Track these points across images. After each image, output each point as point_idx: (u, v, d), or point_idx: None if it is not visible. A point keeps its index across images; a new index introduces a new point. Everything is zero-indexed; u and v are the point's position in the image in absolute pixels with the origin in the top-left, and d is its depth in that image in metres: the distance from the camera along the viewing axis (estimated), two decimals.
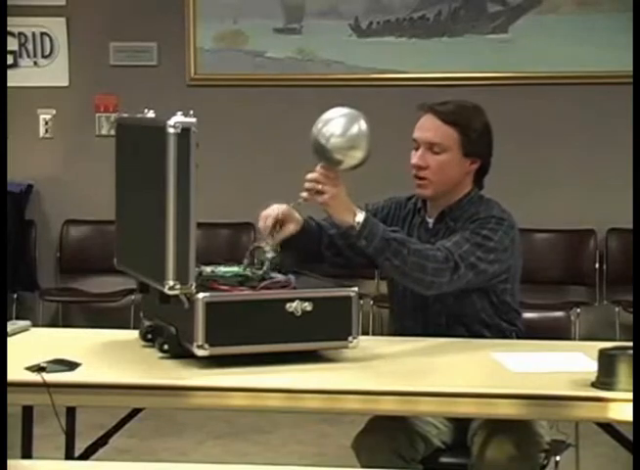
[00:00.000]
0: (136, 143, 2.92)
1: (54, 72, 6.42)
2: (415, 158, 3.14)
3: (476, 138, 3.13)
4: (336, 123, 2.92)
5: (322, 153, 2.92)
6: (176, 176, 2.62)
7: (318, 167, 2.93)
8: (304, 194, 2.94)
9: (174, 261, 2.63)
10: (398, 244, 2.92)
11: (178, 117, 2.63)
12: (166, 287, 2.64)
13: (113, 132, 6.49)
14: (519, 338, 3.14)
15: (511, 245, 3.09)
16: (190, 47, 6.38)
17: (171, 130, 2.62)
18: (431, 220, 3.19)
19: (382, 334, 5.85)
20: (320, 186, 2.91)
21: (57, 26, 6.44)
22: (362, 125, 2.92)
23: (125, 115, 3.12)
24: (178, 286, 2.64)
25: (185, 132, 2.63)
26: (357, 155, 2.91)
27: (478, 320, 3.12)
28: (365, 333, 3.00)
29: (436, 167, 3.11)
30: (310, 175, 2.93)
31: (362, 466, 2.98)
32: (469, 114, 3.16)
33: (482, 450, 2.88)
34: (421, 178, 3.13)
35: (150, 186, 2.74)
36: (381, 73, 6.27)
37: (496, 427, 2.86)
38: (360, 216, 2.92)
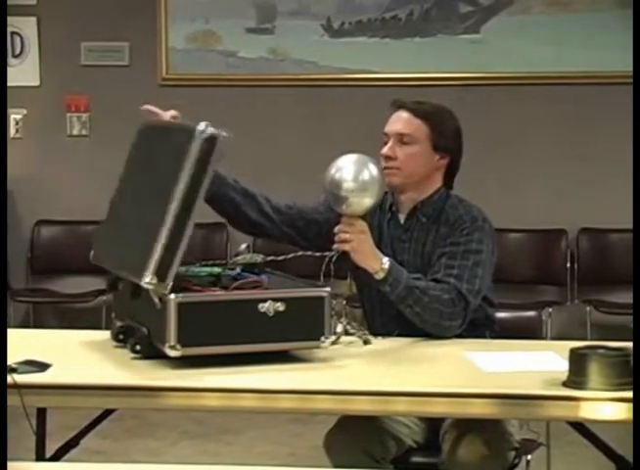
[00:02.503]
0: (157, 142, 2.95)
1: (24, 72, 6.39)
2: (384, 149, 3.18)
3: (446, 134, 3.18)
4: (347, 171, 2.94)
5: (335, 200, 2.95)
6: (190, 177, 2.65)
7: (343, 219, 2.97)
8: (335, 246, 2.97)
9: (160, 257, 2.62)
10: (420, 292, 2.99)
11: (209, 125, 2.70)
12: (143, 280, 2.62)
13: (84, 132, 6.55)
14: (492, 338, 3.16)
15: (494, 246, 3.16)
16: (162, 47, 6.36)
17: (200, 134, 2.67)
18: (402, 216, 3.22)
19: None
20: (347, 235, 2.95)
21: (27, 26, 6.41)
22: (373, 171, 2.94)
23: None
24: (155, 281, 2.62)
25: (212, 139, 2.69)
26: (366, 201, 2.93)
27: None
28: None
29: (405, 158, 3.16)
30: (337, 227, 2.97)
31: (333, 465, 2.98)
32: (442, 114, 3.22)
33: (454, 449, 2.89)
34: (390, 168, 3.16)
35: (159, 181, 2.76)
36: (353, 74, 6.27)
37: (467, 426, 2.87)
38: (386, 264, 2.97)
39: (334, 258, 3.02)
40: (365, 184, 2.92)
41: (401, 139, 3.17)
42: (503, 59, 6.18)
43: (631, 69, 5.68)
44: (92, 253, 3.03)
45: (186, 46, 6.37)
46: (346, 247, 2.96)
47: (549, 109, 6.19)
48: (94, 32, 6.40)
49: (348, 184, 2.92)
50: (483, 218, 3.16)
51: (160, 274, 2.62)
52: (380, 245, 3.13)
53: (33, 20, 6.42)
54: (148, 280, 2.62)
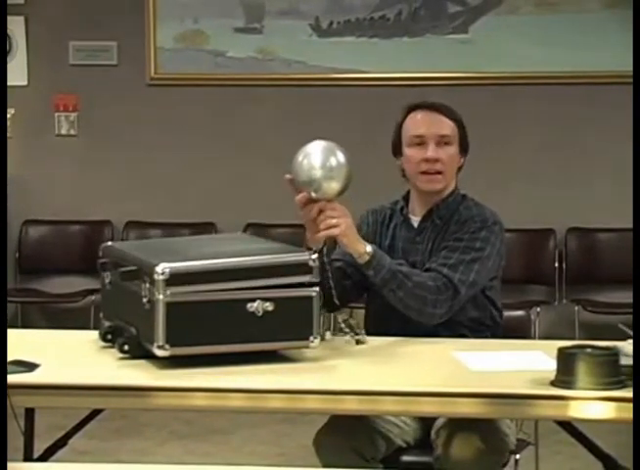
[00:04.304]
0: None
1: (12, 71, 6.36)
2: (430, 151, 3.14)
3: (466, 134, 3.21)
4: (314, 157, 2.92)
5: (303, 185, 2.92)
6: (273, 263, 2.78)
7: (323, 203, 2.93)
8: (323, 233, 2.93)
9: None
10: (404, 276, 2.99)
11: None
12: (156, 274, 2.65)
13: (72, 132, 6.53)
14: (493, 336, 3.16)
15: (501, 247, 3.18)
16: (150, 46, 6.35)
17: (308, 260, 2.77)
18: (416, 219, 3.22)
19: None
20: (335, 220, 2.92)
21: (15, 25, 6.39)
22: (340, 157, 2.92)
23: None
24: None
25: (306, 267, 2.77)
26: (334, 186, 2.90)
27: (461, 318, 3.13)
28: None
29: (448, 159, 3.16)
30: (321, 215, 2.93)
31: (322, 465, 2.98)
32: (457, 113, 3.23)
33: (448, 446, 2.88)
34: (436, 172, 3.15)
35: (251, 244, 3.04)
36: (341, 73, 6.27)
37: (461, 424, 2.86)
38: (369, 247, 2.97)
39: (325, 251, 3.00)
40: (332, 170, 2.90)
41: (441, 141, 3.15)
42: (491, 59, 6.19)
43: (619, 68, 5.75)
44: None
45: (174, 46, 6.36)
46: (335, 231, 2.93)
47: (537, 109, 6.20)
48: (82, 32, 6.38)
49: (316, 171, 2.90)
50: (494, 221, 3.17)
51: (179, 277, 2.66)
52: (392, 248, 3.13)
53: (21, 19, 6.40)
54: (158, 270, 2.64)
